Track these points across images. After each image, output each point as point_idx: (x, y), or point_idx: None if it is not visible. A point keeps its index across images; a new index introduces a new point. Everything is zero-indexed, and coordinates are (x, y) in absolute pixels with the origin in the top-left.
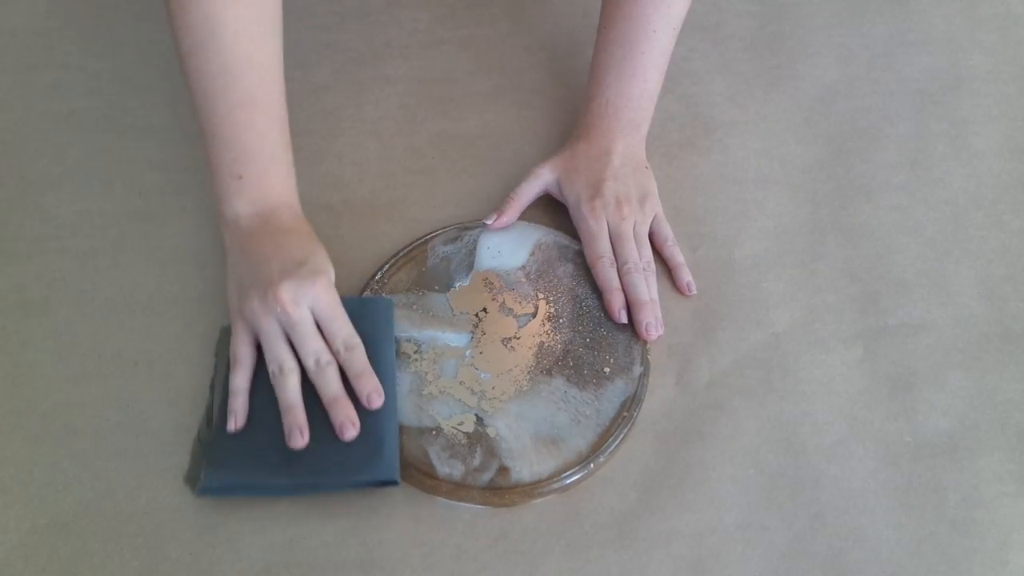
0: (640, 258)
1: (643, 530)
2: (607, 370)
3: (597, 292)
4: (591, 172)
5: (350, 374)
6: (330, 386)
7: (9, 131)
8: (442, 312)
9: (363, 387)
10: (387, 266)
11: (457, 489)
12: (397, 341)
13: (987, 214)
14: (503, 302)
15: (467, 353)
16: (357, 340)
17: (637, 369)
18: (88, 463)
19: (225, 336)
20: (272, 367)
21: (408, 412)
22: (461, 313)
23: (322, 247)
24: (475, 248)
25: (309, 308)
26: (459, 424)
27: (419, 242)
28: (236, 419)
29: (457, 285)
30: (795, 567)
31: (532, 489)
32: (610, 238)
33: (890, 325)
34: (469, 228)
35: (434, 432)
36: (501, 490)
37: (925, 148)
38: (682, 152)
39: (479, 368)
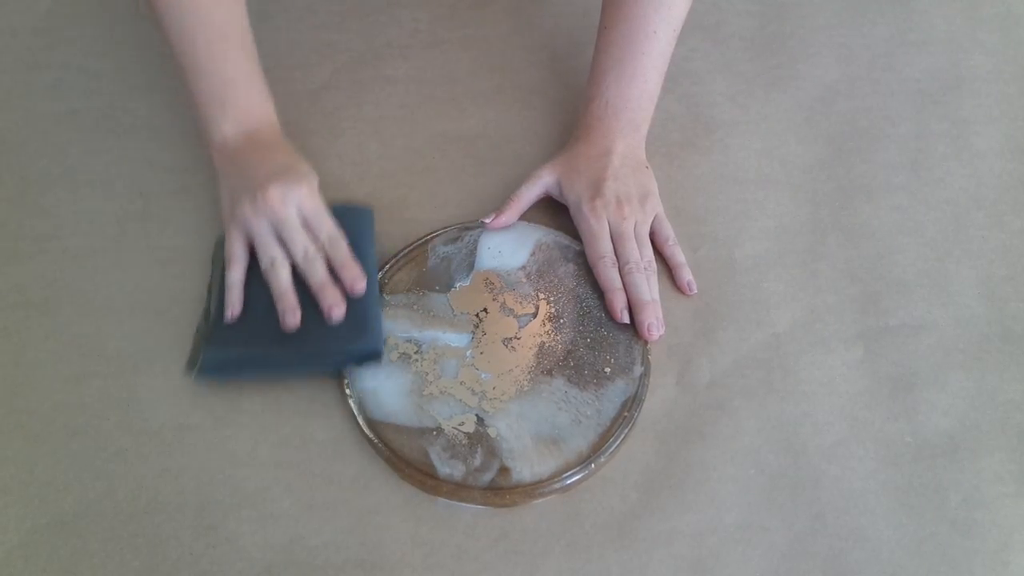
0: (641, 258)
1: (643, 530)
2: (608, 370)
3: (598, 292)
4: (591, 172)
5: (335, 264)
6: (317, 274)
7: (9, 131)
8: (443, 312)
9: (347, 275)
10: (387, 266)
11: (458, 489)
12: (397, 341)
13: (988, 214)
14: (504, 302)
15: (468, 353)
16: (340, 234)
17: (638, 369)
18: (88, 463)
19: (220, 247)
20: (264, 263)
21: (409, 412)
22: (462, 313)
23: (305, 160)
24: (476, 248)
25: (296, 207)
26: (460, 424)
27: (419, 242)
28: (232, 309)
29: (458, 285)
30: (795, 567)
31: (533, 489)
32: (611, 238)
33: (891, 325)
34: (470, 228)
35: (435, 432)
36: (502, 490)
37: (926, 148)
38: (683, 152)
39: (480, 368)
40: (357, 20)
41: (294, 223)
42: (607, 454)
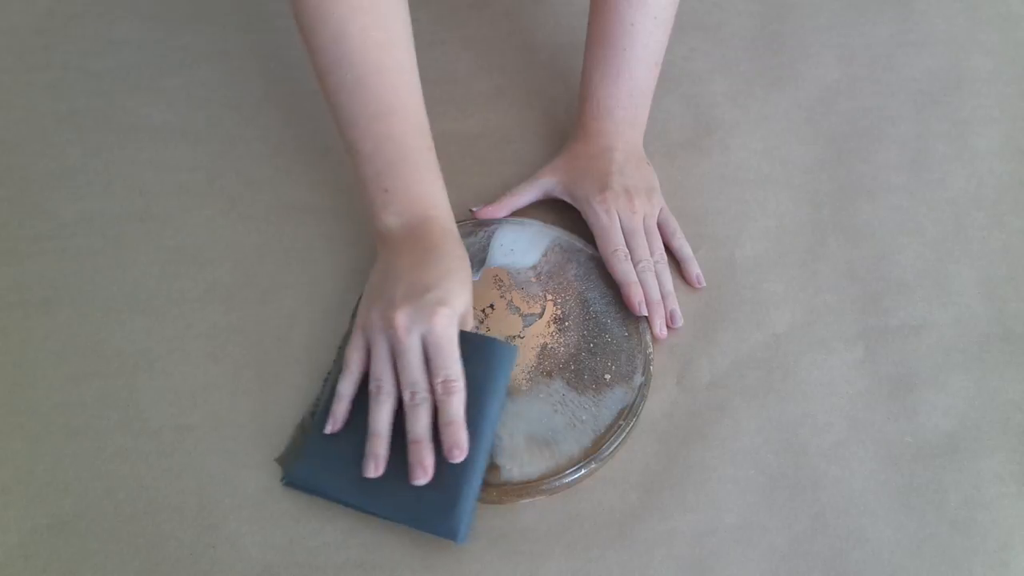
0: (652, 252)
1: (643, 530)
2: (608, 377)
3: (607, 298)
4: (595, 168)
5: (441, 420)
6: (417, 425)
7: (9, 131)
8: None
9: (448, 437)
10: None
11: None
12: None
13: (988, 215)
14: (511, 300)
15: None
16: (459, 384)
17: (638, 379)
18: (88, 463)
19: (348, 336)
20: (372, 385)
21: None
22: None
23: (463, 270)
24: (489, 244)
25: (420, 337)
26: None
27: None
28: (335, 423)
29: None
30: (795, 568)
31: (520, 489)
32: (622, 232)
33: (891, 326)
34: (485, 224)
35: None
36: (489, 487)
37: (926, 148)
38: (683, 152)
39: None
40: None
41: (413, 356)
42: (599, 460)
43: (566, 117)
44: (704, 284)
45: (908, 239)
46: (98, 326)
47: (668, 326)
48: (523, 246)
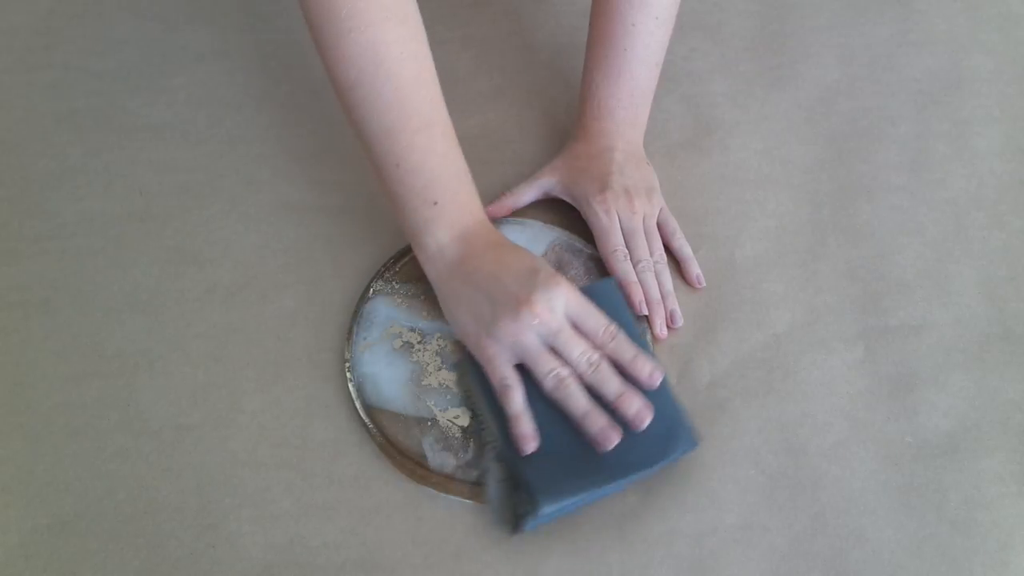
0: (652, 253)
1: (643, 530)
2: None
3: None
4: (596, 168)
5: (624, 361)
6: (611, 382)
7: (9, 131)
8: None
9: (642, 369)
10: (406, 259)
11: (446, 482)
12: (401, 329)
13: (988, 215)
14: None
15: None
16: (615, 327)
17: None
18: (88, 463)
19: (464, 371)
20: (548, 382)
21: (405, 400)
22: None
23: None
24: None
25: (563, 312)
26: (455, 417)
27: None
28: (533, 439)
29: None
30: (796, 568)
31: None
32: (622, 232)
33: (891, 325)
34: None
35: (429, 423)
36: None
37: (926, 148)
38: (683, 152)
39: None
40: None
41: (568, 332)
42: None
43: (566, 117)
44: (704, 284)
45: (908, 239)
46: (98, 326)
47: (668, 326)
48: (523, 246)
